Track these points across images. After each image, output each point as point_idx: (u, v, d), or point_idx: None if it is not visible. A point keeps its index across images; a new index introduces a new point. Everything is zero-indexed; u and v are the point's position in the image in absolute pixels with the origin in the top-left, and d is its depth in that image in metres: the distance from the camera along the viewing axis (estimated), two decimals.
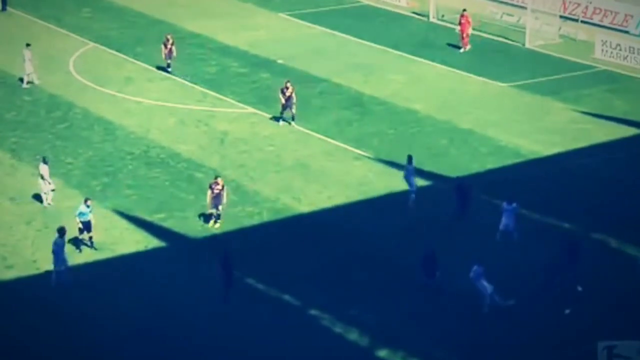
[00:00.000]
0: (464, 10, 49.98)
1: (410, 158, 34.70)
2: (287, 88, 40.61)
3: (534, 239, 31.92)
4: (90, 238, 31.79)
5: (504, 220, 31.84)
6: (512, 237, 31.81)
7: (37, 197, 34.95)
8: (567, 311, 28.43)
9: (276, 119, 41.26)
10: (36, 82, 45.05)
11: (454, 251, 31.22)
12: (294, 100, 40.60)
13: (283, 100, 40.62)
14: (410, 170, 34.65)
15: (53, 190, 34.48)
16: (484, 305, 28.46)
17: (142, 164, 37.94)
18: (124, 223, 33.62)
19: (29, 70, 44.92)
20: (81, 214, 31.58)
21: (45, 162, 34.74)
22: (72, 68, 47.37)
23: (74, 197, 34.44)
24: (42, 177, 34.35)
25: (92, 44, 50.87)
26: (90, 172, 37.21)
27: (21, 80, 45.13)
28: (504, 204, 31.97)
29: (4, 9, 56.20)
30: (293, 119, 40.89)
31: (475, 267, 28.56)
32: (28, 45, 45.30)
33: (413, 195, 34.51)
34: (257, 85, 45.87)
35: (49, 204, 34.35)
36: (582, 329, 27.82)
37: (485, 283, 28.42)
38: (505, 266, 30.03)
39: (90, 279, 30.26)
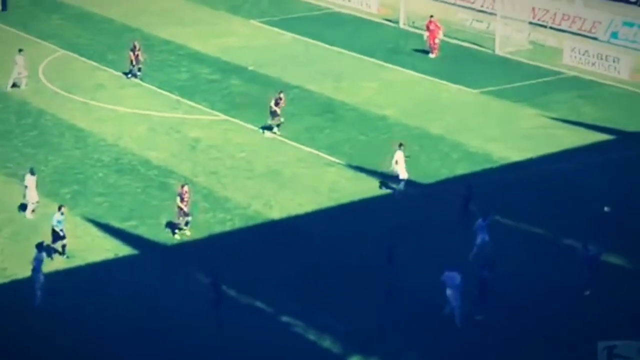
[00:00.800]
0: (431, 16, 50.19)
1: (400, 145, 35.49)
2: (281, 99, 40.50)
3: (511, 245, 32.06)
4: (64, 246, 31.67)
5: (480, 237, 31.47)
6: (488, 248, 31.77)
7: (7, 206, 34.73)
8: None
9: (267, 128, 40.94)
10: (9, 88, 44.93)
11: (426, 256, 31.30)
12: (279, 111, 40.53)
13: (275, 108, 40.27)
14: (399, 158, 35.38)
15: (36, 202, 34.15)
16: (455, 317, 28.49)
17: (113, 172, 37.83)
18: (94, 231, 33.49)
19: (24, 73, 44.92)
20: (59, 222, 31.52)
21: (32, 173, 34.53)
22: (42, 75, 47.14)
23: (44, 205, 34.26)
24: (28, 188, 34.15)
25: (62, 51, 50.66)
26: (61, 180, 37.05)
27: (15, 85, 45.03)
28: (480, 221, 31.74)
29: (4, 9, 55.89)
30: (270, 129, 40.74)
31: (456, 274, 28.49)
32: (20, 50, 45.37)
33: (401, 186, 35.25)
34: (229, 91, 45.85)
35: (31, 212, 34.16)
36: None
37: (456, 294, 28.39)
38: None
39: (61, 287, 30.09)
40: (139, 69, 46.50)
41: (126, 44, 49.21)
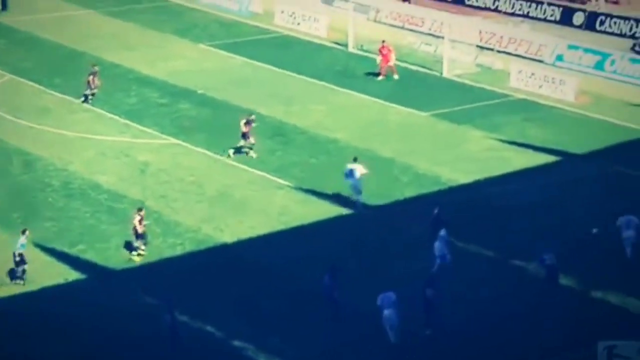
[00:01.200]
0: (383, 41, 50.55)
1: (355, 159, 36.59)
2: (253, 121, 40.60)
3: (461, 267, 32.30)
4: (24, 271, 31.46)
5: (443, 249, 31.99)
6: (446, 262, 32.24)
7: None
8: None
9: (239, 150, 40.93)
10: None
11: (377, 278, 31.40)
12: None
13: (245, 129, 40.41)
14: (353, 172, 36.22)
15: None
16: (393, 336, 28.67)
17: (62, 196, 37.59)
18: (44, 255, 33.23)
19: None
20: (22, 245, 31.37)
21: None
22: None
23: None
24: None
25: (8, 76, 50.27)
26: (10, 205, 36.71)
27: None
28: (442, 232, 32.16)
29: (4, 8, 55.34)
30: (250, 150, 40.87)
31: (391, 294, 28.74)
32: None
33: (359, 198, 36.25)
34: (178, 115, 45.77)
35: None
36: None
37: (393, 313, 28.62)
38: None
39: (12, 311, 29.82)
40: (93, 94, 46.32)
41: (74, 68, 49.06)
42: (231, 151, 40.68)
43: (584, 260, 32.76)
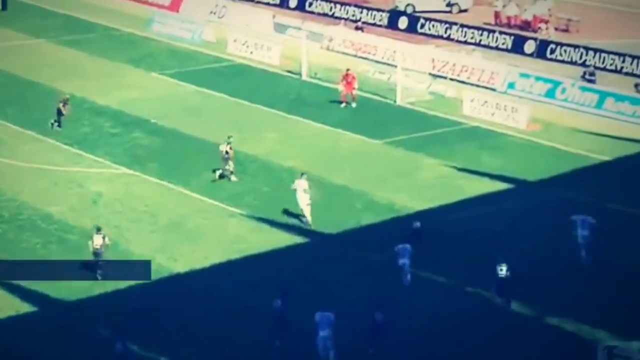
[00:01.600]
0: (348, 69, 50.69)
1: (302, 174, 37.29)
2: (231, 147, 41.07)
3: (414, 293, 32.37)
4: None
5: (402, 260, 32.54)
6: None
7: None
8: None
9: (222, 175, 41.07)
10: None
11: (330, 304, 31.40)
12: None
13: (227, 153, 40.72)
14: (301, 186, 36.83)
15: None
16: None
17: (12, 227, 37.22)
18: None
19: None
20: None
21: None
22: None
23: None
24: None
25: None
26: None
27: None
28: (408, 246, 32.87)
29: (4, 8, 54.89)
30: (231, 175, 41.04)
31: (329, 314, 28.82)
32: None
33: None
34: (131, 144, 45.57)
35: None
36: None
37: (329, 333, 28.65)
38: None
39: None
40: (57, 123, 46.16)
41: (27, 98, 48.72)
42: (231, 169, 40.99)
43: (537, 286, 32.95)
